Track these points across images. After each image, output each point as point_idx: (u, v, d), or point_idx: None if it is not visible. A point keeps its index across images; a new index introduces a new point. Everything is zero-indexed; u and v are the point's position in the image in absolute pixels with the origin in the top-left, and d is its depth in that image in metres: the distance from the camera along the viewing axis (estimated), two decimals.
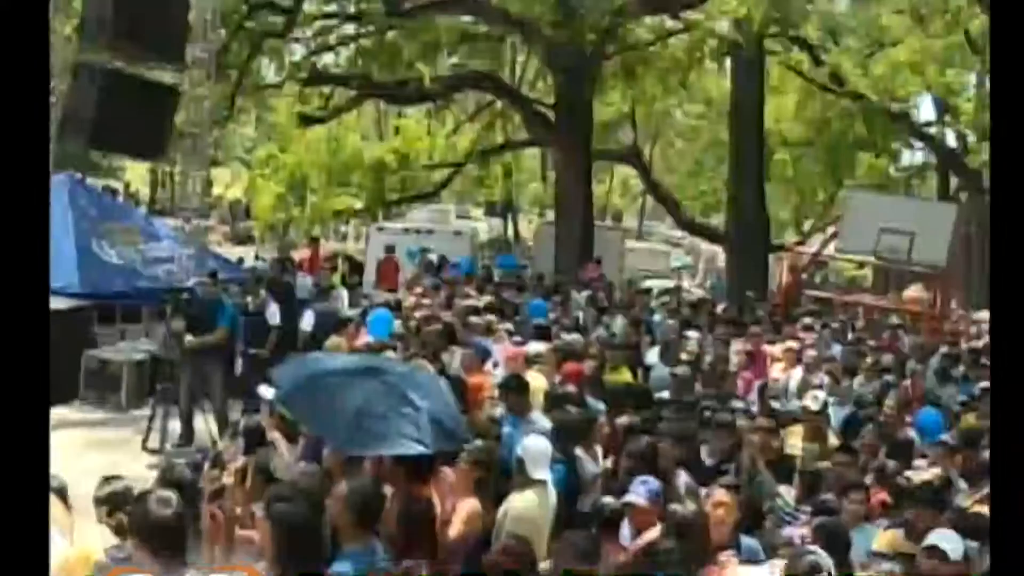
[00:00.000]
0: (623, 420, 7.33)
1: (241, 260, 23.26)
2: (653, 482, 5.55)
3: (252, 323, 11.25)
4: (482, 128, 30.95)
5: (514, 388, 7.20)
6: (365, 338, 9.46)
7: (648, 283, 25.15)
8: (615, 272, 23.53)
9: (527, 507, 5.65)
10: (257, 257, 29.02)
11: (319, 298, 13.14)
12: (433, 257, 19.57)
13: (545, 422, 6.98)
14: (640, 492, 5.46)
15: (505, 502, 5.72)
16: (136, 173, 50.39)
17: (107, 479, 5.01)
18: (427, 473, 5.16)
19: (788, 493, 6.75)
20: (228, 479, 5.08)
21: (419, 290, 18.12)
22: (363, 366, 5.62)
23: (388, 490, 5.07)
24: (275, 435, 5.74)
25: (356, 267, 21.95)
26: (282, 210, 32.03)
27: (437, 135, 35.71)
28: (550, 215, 45.07)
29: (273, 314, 11.24)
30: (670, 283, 30.28)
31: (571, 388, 7.62)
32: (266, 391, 5.99)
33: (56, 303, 12.22)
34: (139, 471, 9.38)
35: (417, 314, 11.14)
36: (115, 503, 4.79)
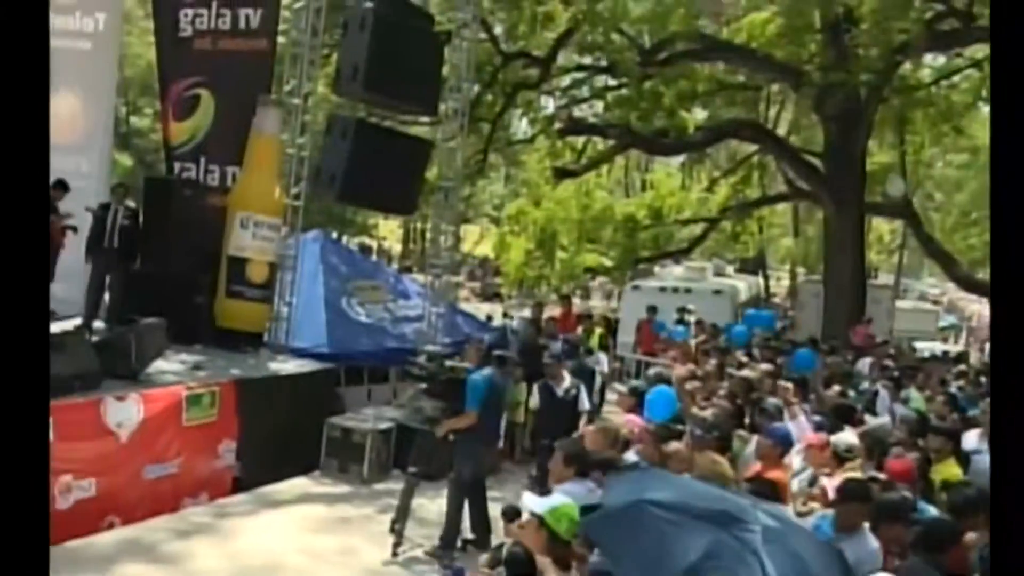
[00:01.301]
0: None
1: (490, 318, 22.72)
2: None
3: (557, 406, 9.82)
4: (738, 181, 29.54)
5: (859, 498, 5.62)
6: (636, 418, 8.15)
7: (919, 346, 22.80)
8: (885, 334, 21.37)
9: None
10: (505, 315, 28.57)
11: (571, 360, 11.94)
12: (692, 319, 18.25)
13: (873, 541, 5.46)
14: None
15: None
16: (389, 229, 51.52)
17: None
18: None
19: None
20: None
21: (673, 353, 16.85)
22: (713, 508, 4.07)
23: None
24: (543, 561, 4.46)
25: (609, 327, 20.75)
26: (531, 267, 31.73)
27: (691, 190, 34.59)
28: (801, 271, 43.08)
29: (584, 400, 9.82)
30: (944, 346, 27.56)
31: (907, 493, 5.99)
32: (532, 501, 4.71)
33: (303, 365, 11.72)
34: (375, 557, 8.58)
35: (688, 386, 9.73)
36: None
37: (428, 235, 51.26)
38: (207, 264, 11.98)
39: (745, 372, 11.08)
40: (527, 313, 30.33)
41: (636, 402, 8.74)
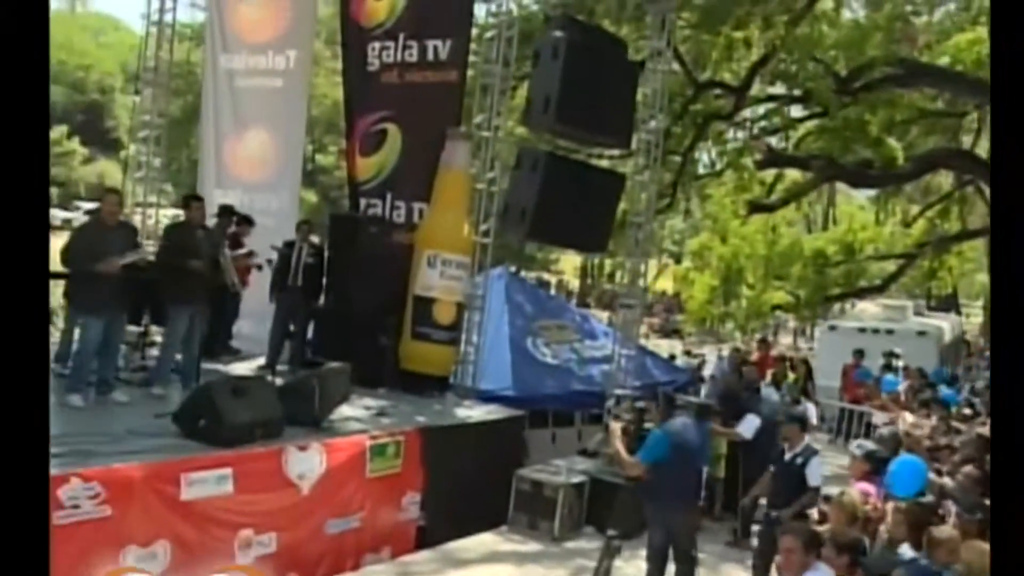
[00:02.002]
0: None
1: (672, 357, 21.95)
2: None
3: (785, 473, 8.43)
4: (936, 214, 27.87)
5: None
6: (872, 488, 7.14)
7: None
8: None
9: None
10: (688, 353, 27.64)
11: (755, 401, 10.99)
12: (900, 364, 16.93)
13: None
14: None
15: None
16: (571, 265, 51.17)
17: None
18: None
19: None
20: None
21: (880, 402, 15.63)
22: None
23: None
24: None
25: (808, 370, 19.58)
26: (715, 304, 30.77)
27: (884, 223, 32.98)
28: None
29: (814, 473, 8.24)
30: None
31: None
32: None
33: (490, 412, 11.14)
34: None
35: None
36: None
37: (610, 271, 50.90)
38: (392, 304, 11.56)
39: (980, 429, 9.87)
40: (706, 351, 29.39)
41: (872, 469, 7.70)
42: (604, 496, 10.12)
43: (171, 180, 28.67)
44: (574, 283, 53.05)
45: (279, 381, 9.75)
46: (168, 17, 14.21)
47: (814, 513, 7.41)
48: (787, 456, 8.22)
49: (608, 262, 47.32)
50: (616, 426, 8.66)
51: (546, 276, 47.01)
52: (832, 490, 8.06)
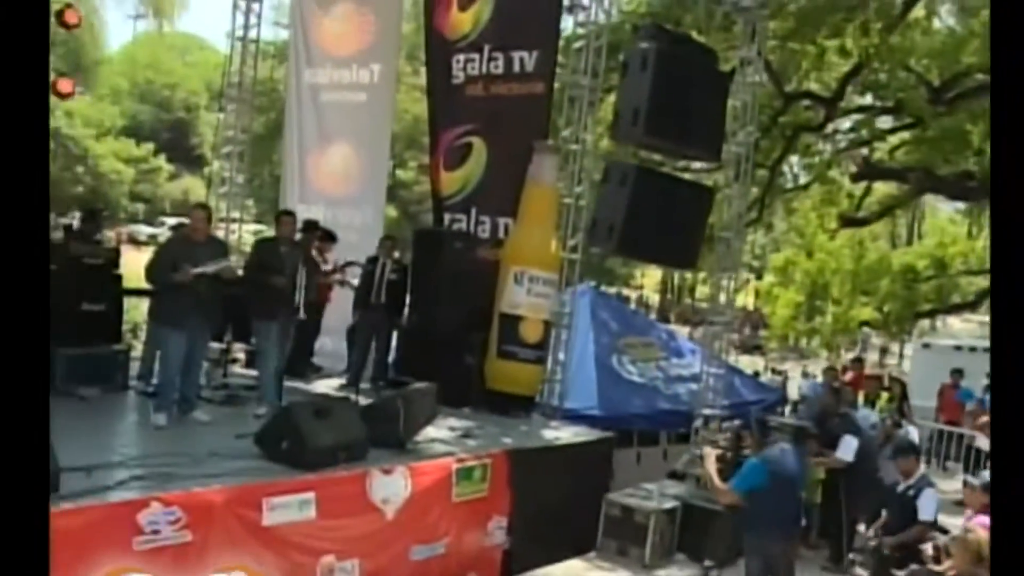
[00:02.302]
0: None
1: (756, 374, 21.52)
2: None
3: (897, 505, 8.17)
4: None
5: None
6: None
7: None
8: None
9: None
10: (774, 371, 27.09)
11: (848, 423, 10.52)
12: None
13: None
14: None
15: None
16: (653, 281, 50.64)
17: None
18: None
19: None
20: None
21: (982, 422, 15.02)
22: None
23: None
24: None
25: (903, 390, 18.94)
26: (800, 320, 30.16)
27: (977, 237, 32.14)
28: None
29: (927, 506, 7.83)
30: None
31: None
32: None
33: (579, 433, 10.78)
34: None
35: None
36: None
37: (691, 286, 50.18)
38: (477, 321, 11.29)
39: None
40: (788, 367, 28.72)
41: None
42: (697, 522, 9.76)
43: (254, 196, 28.92)
44: (654, 298, 52.46)
45: (362, 401, 9.54)
46: (252, 34, 14.21)
47: (928, 548, 6.94)
48: (900, 487, 7.75)
49: (689, 277, 46.74)
50: (711, 452, 8.30)
51: (626, 291, 46.47)
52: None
